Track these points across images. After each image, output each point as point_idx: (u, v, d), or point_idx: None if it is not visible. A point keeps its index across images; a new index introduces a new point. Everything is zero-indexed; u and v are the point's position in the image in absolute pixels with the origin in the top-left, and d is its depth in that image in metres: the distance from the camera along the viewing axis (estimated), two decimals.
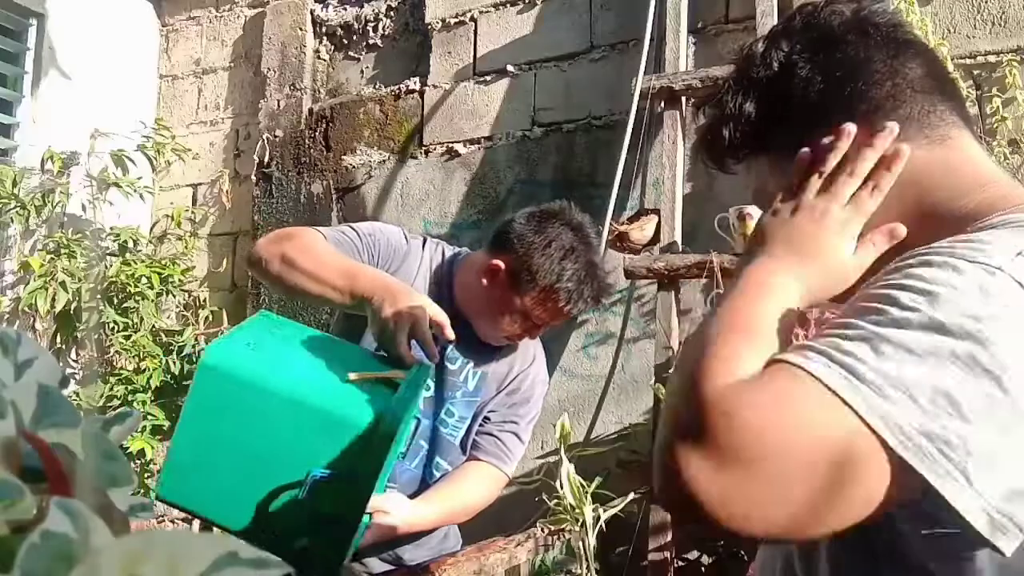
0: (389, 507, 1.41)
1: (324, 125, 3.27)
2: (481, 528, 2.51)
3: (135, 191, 3.42)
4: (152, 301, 3.30)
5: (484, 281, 1.50)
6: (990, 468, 0.49)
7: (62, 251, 3.17)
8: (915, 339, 0.51)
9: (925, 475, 0.48)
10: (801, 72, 0.71)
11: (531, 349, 1.64)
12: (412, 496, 1.49)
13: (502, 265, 1.48)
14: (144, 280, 3.29)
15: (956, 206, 0.65)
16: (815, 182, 0.68)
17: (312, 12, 3.40)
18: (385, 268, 1.47)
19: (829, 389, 0.50)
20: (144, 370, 3.24)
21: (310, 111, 3.32)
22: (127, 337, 3.26)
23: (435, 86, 3.06)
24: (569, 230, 1.53)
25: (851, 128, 0.66)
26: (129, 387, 3.24)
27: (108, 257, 3.42)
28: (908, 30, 0.73)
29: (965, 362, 0.50)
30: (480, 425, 1.59)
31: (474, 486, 1.58)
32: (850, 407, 0.49)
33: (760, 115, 0.73)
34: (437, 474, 1.55)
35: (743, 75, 0.75)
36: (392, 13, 3.25)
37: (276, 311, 3.22)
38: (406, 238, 1.57)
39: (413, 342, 1.25)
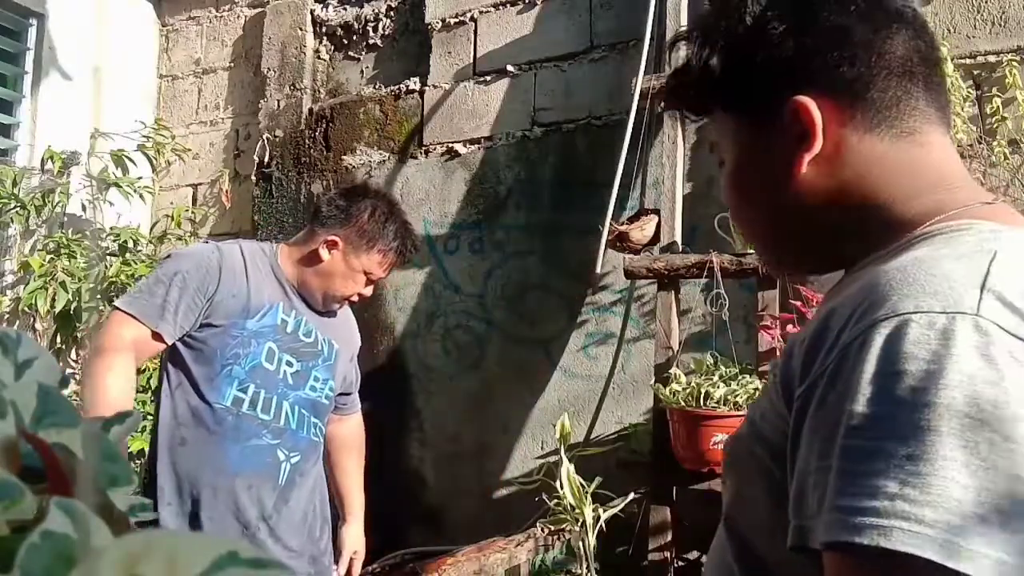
0: (358, 550, 1.98)
1: (324, 125, 3.27)
2: (481, 528, 2.51)
3: (135, 191, 3.41)
4: None
5: (324, 255, 1.77)
6: None
7: (62, 251, 3.17)
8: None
9: None
10: (772, 32, 0.64)
11: (347, 310, 1.96)
12: (310, 456, 1.84)
13: (338, 239, 1.76)
14: None
15: (907, 207, 0.61)
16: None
17: (312, 12, 3.40)
18: (213, 288, 1.70)
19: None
20: (144, 370, 3.24)
21: (310, 111, 3.32)
22: None
23: (435, 86, 3.06)
24: (378, 199, 1.84)
25: (806, 103, 0.61)
26: None
27: (108, 257, 3.42)
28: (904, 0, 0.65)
29: None
30: (342, 384, 1.95)
31: (360, 452, 2.13)
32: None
33: (722, 72, 0.67)
34: (319, 435, 1.86)
35: (714, 25, 0.69)
36: (392, 13, 3.25)
37: None
38: (217, 248, 1.78)
39: None
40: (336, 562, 1.99)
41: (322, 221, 1.82)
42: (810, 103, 0.61)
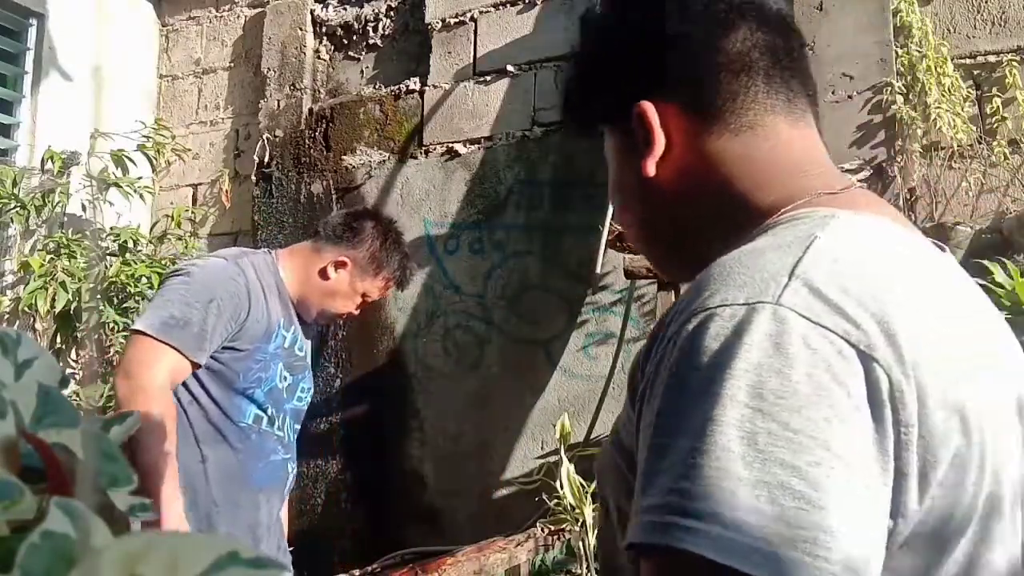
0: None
1: (324, 125, 3.27)
2: (481, 528, 2.51)
3: (135, 191, 3.41)
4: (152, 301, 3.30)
5: (332, 274, 1.81)
6: None
7: (62, 251, 3.17)
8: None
9: None
10: (619, 47, 0.67)
11: None
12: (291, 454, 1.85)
13: (347, 260, 1.80)
14: (144, 280, 3.28)
15: (757, 199, 0.62)
16: None
17: (312, 12, 3.40)
18: (244, 316, 1.67)
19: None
20: None
21: (310, 111, 3.32)
22: (127, 337, 3.26)
23: (435, 86, 3.06)
24: (387, 226, 1.89)
25: (647, 108, 0.63)
26: None
27: (108, 257, 3.42)
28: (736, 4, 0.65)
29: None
30: None
31: None
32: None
33: (585, 90, 0.71)
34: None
35: (577, 51, 0.72)
36: (392, 13, 3.25)
37: None
38: (240, 269, 1.73)
39: None
40: None
41: (331, 240, 1.84)
42: (648, 107, 0.63)
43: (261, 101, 3.41)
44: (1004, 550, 0.52)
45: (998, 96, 2.17)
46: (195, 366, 1.61)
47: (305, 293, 1.84)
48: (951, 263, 0.61)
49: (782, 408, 0.44)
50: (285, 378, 1.80)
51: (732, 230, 0.60)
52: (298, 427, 1.91)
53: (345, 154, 3.19)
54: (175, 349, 1.56)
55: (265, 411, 1.76)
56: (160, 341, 1.55)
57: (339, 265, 1.82)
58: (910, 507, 0.47)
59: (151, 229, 3.65)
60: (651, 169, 0.64)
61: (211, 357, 1.65)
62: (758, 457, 0.44)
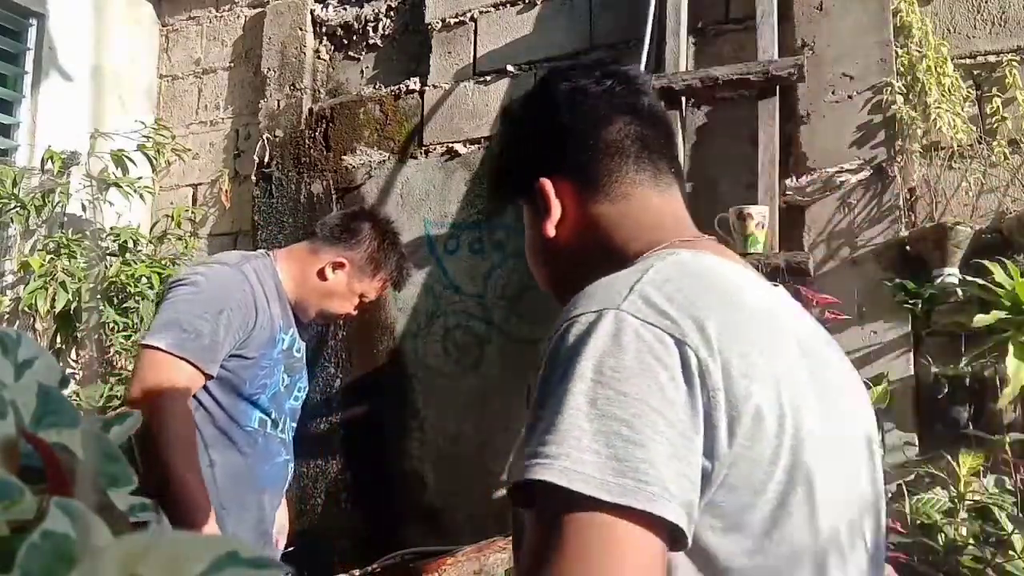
0: (284, 524, 1.97)
1: (324, 125, 3.27)
2: (481, 528, 2.51)
3: (135, 191, 3.41)
4: (152, 301, 3.29)
5: (329, 275, 1.81)
6: None
7: (62, 251, 3.17)
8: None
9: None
10: (524, 133, 0.90)
11: None
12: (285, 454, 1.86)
13: (345, 261, 1.80)
14: (144, 280, 3.28)
15: (629, 248, 0.81)
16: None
17: (312, 12, 3.40)
18: (251, 325, 1.68)
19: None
20: None
21: (310, 111, 3.32)
22: (127, 337, 3.26)
23: (435, 86, 3.06)
24: (385, 226, 1.90)
25: (545, 183, 0.84)
26: (129, 387, 3.24)
27: (108, 257, 3.42)
28: (624, 95, 0.86)
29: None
30: None
31: None
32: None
33: (501, 172, 0.94)
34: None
35: (497, 143, 0.97)
36: (392, 13, 3.25)
37: None
38: (245, 276, 1.73)
39: None
40: None
41: (328, 241, 1.85)
42: (546, 183, 0.85)
43: (261, 101, 3.41)
44: (819, 487, 0.67)
45: (998, 96, 2.17)
46: (207, 377, 1.61)
47: (303, 294, 1.84)
48: (768, 286, 0.81)
49: (616, 380, 0.61)
50: (284, 380, 1.81)
51: (612, 271, 0.75)
52: (295, 425, 1.93)
53: (345, 154, 3.19)
54: (190, 363, 1.56)
55: (269, 415, 1.78)
56: (175, 356, 1.55)
57: (337, 266, 1.83)
58: (721, 450, 0.62)
59: (151, 229, 3.64)
60: (551, 231, 0.84)
61: (220, 365, 1.66)
62: (598, 415, 0.60)
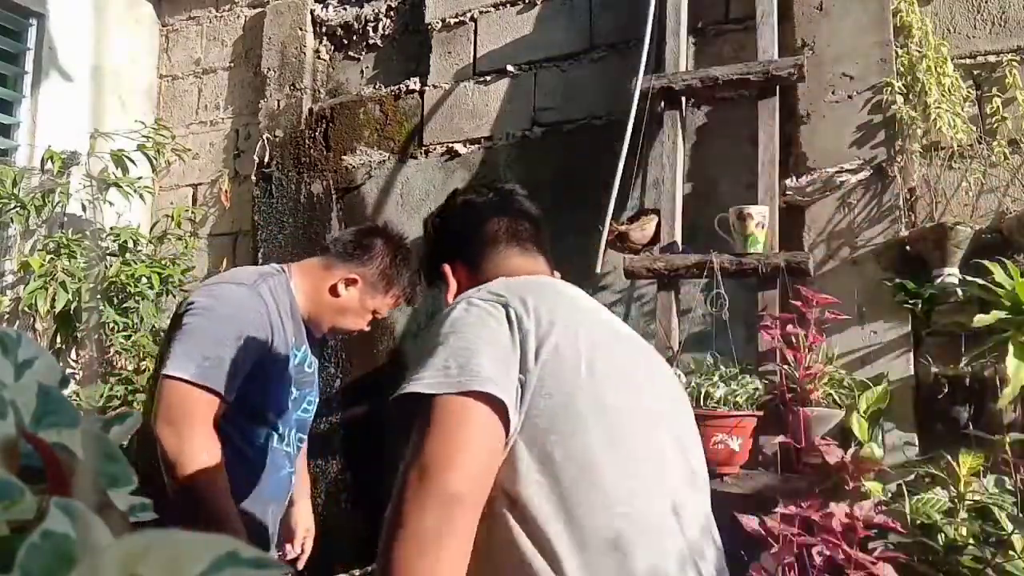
0: (310, 528, 2.10)
1: (324, 125, 3.27)
2: None
3: (135, 191, 3.41)
4: (152, 301, 3.29)
5: (342, 292, 1.84)
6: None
7: (62, 251, 3.17)
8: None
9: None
10: (435, 235, 1.34)
11: None
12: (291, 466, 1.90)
13: (357, 277, 1.84)
14: (144, 280, 3.28)
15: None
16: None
17: (312, 12, 3.40)
18: (267, 348, 1.71)
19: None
20: (144, 370, 3.24)
21: (310, 111, 3.32)
22: (127, 337, 3.26)
23: (435, 86, 3.06)
24: (397, 243, 1.93)
25: (446, 268, 1.27)
26: (129, 387, 3.24)
27: (108, 257, 3.42)
28: (499, 203, 1.30)
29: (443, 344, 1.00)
30: None
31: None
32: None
33: (423, 258, 1.36)
34: (302, 447, 1.98)
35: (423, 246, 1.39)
36: (392, 13, 3.25)
37: None
38: (261, 299, 1.73)
39: None
40: (290, 542, 2.06)
41: (341, 257, 1.86)
42: (446, 267, 1.27)
43: (261, 101, 3.41)
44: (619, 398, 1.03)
45: (998, 96, 2.17)
46: (227, 402, 1.62)
47: (316, 310, 1.85)
48: (572, 289, 1.22)
49: (462, 328, 1.00)
50: (293, 393, 1.82)
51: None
52: (303, 436, 1.94)
53: (345, 154, 3.19)
54: (212, 391, 1.57)
55: (277, 429, 1.80)
56: (198, 386, 1.56)
57: (349, 282, 1.84)
58: (529, 366, 0.97)
59: (151, 229, 3.65)
60: (450, 300, 1.20)
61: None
62: (449, 347, 0.97)
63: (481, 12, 3.00)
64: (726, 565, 1.07)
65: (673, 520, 0.97)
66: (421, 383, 0.94)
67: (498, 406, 0.92)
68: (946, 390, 2.02)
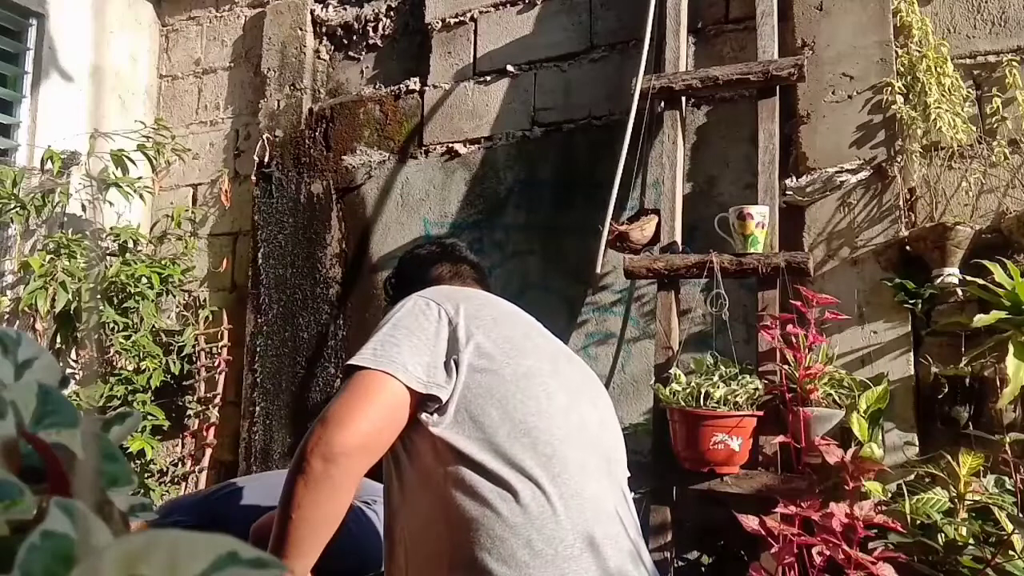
0: None
1: (324, 125, 3.27)
2: None
3: (135, 191, 3.42)
4: (152, 301, 3.30)
5: None
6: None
7: (62, 251, 3.17)
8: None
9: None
10: (392, 291, 1.67)
11: None
12: None
13: None
14: (144, 280, 3.29)
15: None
16: None
17: (312, 12, 3.40)
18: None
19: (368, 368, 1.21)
20: (144, 370, 3.24)
21: (310, 111, 3.32)
22: (127, 337, 3.26)
23: (435, 86, 3.06)
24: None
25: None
26: (129, 387, 3.24)
27: (108, 257, 3.42)
28: (441, 253, 1.65)
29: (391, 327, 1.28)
30: None
31: None
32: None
33: (391, 288, 1.68)
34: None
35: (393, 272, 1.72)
36: (392, 13, 3.25)
37: (276, 312, 3.23)
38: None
39: None
40: None
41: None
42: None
43: (261, 101, 3.41)
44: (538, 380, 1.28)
45: (998, 96, 2.17)
46: None
47: None
48: (494, 298, 1.48)
49: (399, 321, 1.27)
50: None
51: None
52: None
53: (345, 154, 3.19)
54: None
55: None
56: None
57: None
58: (462, 348, 1.24)
59: (151, 229, 3.65)
60: None
61: None
62: (383, 337, 1.24)
63: (481, 12, 3.00)
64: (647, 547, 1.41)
65: (597, 461, 1.28)
66: (353, 357, 1.21)
67: (405, 384, 1.18)
68: (946, 390, 2.02)
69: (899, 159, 2.21)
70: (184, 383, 3.38)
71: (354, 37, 3.33)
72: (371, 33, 3.28)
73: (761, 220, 2.10)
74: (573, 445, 1.23)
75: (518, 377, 1.24)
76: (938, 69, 2.18)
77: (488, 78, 2.96)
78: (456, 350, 1.23)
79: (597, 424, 1.33)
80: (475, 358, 1.23)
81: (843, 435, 2.02)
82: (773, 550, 1.76)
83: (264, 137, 3.35)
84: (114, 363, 3.30)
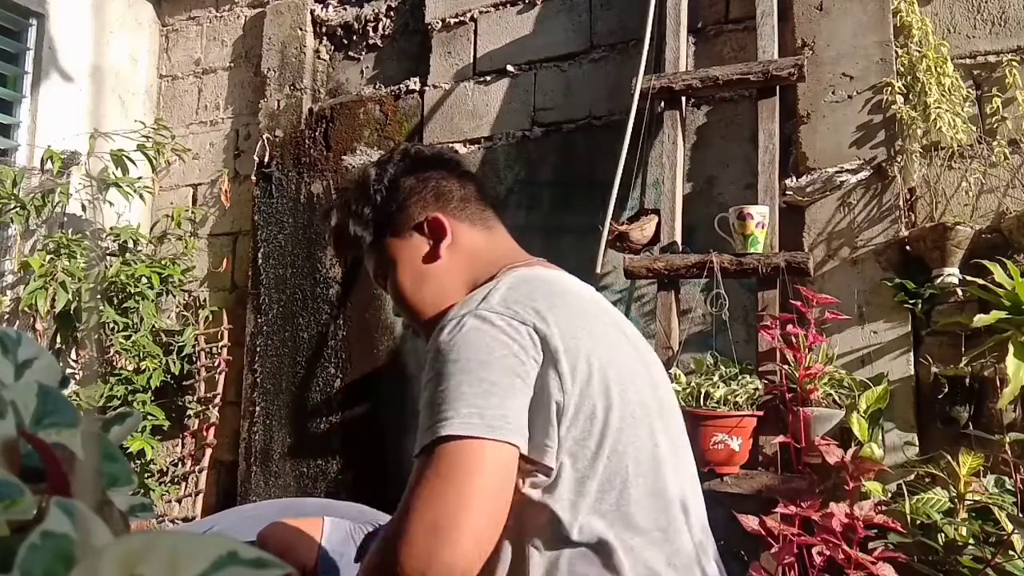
0: None
1: (324, 125, 3.27)
2: None
3: (135, 191, 3.42)
4: (152, 301, 3.30)
5: None
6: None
7: (62, 251, 3.17)
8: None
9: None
10: (404, 186, 1.16)
11: None
12: None
13: None
14: (144, 280, 3.28)
15: (491, 266, 1.11)
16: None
17: (312, 12, 3.40)
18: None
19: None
20: (144, 370, 3.24)
21: (310, 111, 3.32)
22: (127, 337, 3.26)
23: (435, 86, 3.06)
24: None
25: (442, 217, 1.12)
26: (129, 387, 3.24)
27: (108, 257, 3.42)
28: (456, 166, 1.20)
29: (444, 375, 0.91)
30: None
31: None
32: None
33: (375, 216, 1.16)
34: None
35: (363, 189, 1.17)
36: (392, 13, 3.25)
37: (276, 312, 3.23)
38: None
39: None
40: None
41: None
42: (441, 215, 1.12)
43: (261, 101, 3.41)
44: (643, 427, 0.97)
45: (998, 96, 2.17)
46: None
47: None
48: (583, 287, 1.14)
49: (478, 356, 0.89)
50: None
51: (482, 282, 1.08)
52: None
53: (345, 154, 3.19)
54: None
55: None
56: None
57: None
58: (567, 387, 0.91)
59: (151, 229, 3.65)
60: (444, 253, 1.12)
61: None
62: (460, 393, 0.87)
63: (481, 12, 3.00)
64: (723, 567, 1.08)
65: (683, 518, 0.99)
66: (453, 424, 0.85)
67: (518, 447, 0.88)
68: (946, 390, 2.02)
69: (899, 159, 2.21)
70: (184, 383, 3.38)
71: (354, 37, 3.33)
72: (371, 33, 3.28)
73: (761, 220, 2.10)
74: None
75: (633, 421, 0.97)
76: (938, 69, 2.18)
77: (488, 78, 2.96)
78: (563, 388, 0.93)
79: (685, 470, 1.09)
80: (586, 401, 0.95)
81: (843, 435, 2.02)
82: (773, 550, 1.76)
83: (264, 137, 3.35)
84: (114, 363, 3.30)
